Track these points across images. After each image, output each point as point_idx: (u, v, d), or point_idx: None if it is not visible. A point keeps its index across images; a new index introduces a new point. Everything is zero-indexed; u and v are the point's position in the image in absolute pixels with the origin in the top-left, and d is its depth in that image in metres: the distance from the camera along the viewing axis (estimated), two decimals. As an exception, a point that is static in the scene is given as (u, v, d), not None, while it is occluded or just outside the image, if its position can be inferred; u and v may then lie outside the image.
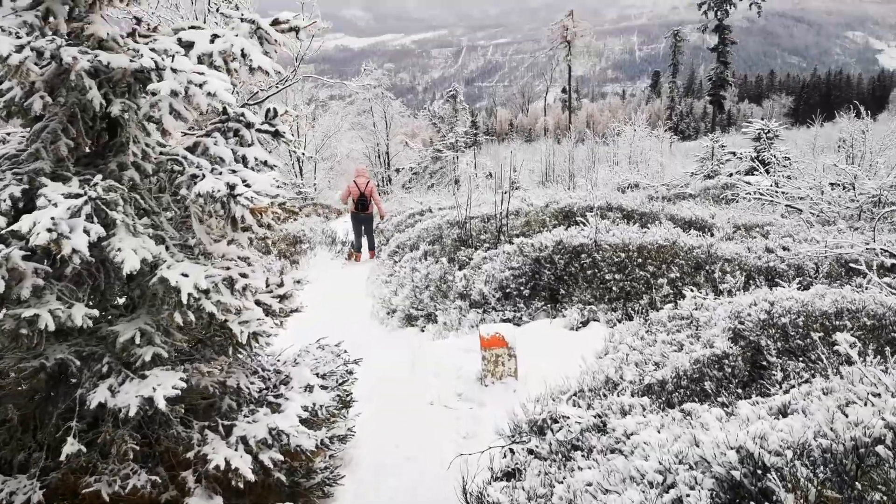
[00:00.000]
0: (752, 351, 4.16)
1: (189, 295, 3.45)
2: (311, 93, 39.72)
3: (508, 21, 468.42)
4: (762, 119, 20.64)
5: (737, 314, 4.50)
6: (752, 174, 18.08)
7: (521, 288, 6.84)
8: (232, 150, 4.13)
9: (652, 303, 6.06)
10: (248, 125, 4.27)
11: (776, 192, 11.68)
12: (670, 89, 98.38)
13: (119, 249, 3.37)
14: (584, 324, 6.27)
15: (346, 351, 5.34)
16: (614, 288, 6.36)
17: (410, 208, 19.55)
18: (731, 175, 19.99)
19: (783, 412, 2.98)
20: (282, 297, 4.64)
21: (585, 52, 69.37)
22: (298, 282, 4.79)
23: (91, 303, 3.62)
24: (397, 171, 45.82)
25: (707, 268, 6.33)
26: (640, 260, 6.49)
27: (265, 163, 4.27)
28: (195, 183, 3.69)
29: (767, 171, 17.94)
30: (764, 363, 4.03)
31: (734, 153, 21.11)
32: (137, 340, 3.54)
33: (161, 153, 3.92)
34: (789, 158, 18.49)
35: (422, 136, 62.29)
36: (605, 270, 6.53)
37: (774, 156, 18.20)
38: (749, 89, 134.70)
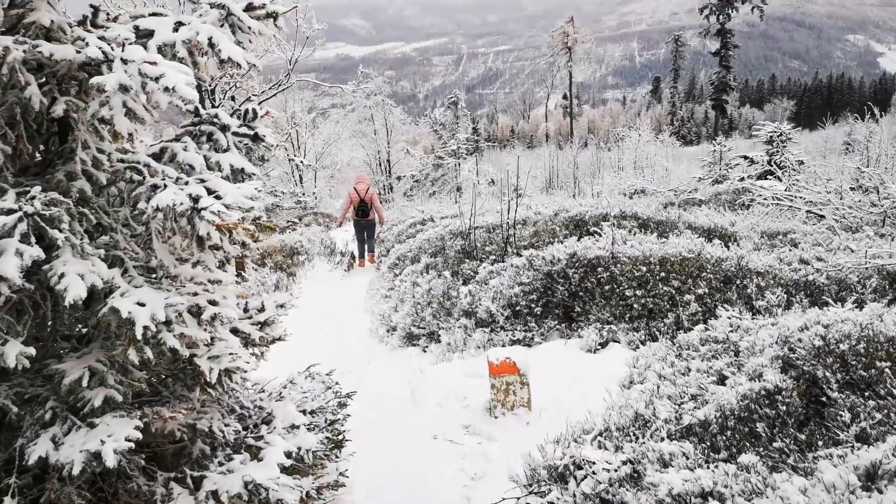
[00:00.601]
0: (808, 384, 3.57)
1: (145, 328, 2.88)
2: (312, 101, 39.32)
3: (508, 28, 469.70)
4: (764, 122, 20.03)
5: (785, 339, 3.90)
6: (766, 178, 17.48)
7: (533, 305, 6.25)
8: (204, 156, 3.58)
9: (678, 322, 5.47)
10: (224, 128, 3.71)
11: (795, 196, 11.09)
12: (671, 94, 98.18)
13: (62, 275, 2.80)
14: (603, 345, 5.69)
15: (337, 383, 4.73)
16: (635, 305, 5.77)
17: (412, 217, 18.99)
18: (741, 179, 19.41)
19: (872, 475, 2.40)
20: (263, 325, 4.08)
21: (585, 58, 69.46)
22: (282, 306, 4.22)
23: (35, 336, 3.09)
24: (399, 178, 45.50)
25: (738, 282, 5.74)
26: (662, 274, 5.90)
27: (242, 171, 3.72)
28: (155, 194, 3.12)
29: (780, 176, 17.39)
30: (823, 399, 3.44)
31: (745, 157, 20.50)
32: (86, 381, 2.98)
33: (120, 160, 3.36)
34: (802, 162, 17.91)
35: (423, 144, 62.06)
36: (625, 286, 5.94)
37: (787, 159, 17.60)
38: (750, 94, 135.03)
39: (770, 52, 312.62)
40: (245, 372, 3.53)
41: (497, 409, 5.08)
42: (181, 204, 3.05)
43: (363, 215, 13.69)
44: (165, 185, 3.16)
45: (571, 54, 68.74)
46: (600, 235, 7.56)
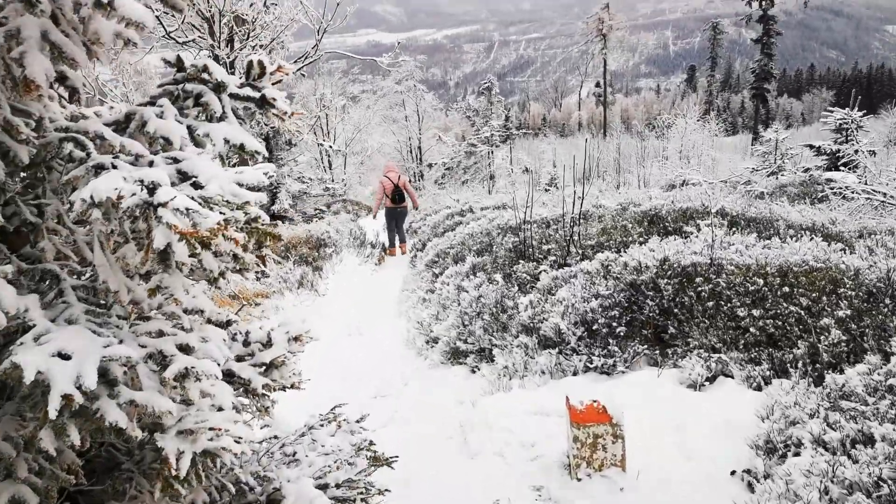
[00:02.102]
0: None
1: (66, 397, 1.68)
2: (343, 87, 38.26)
3: (541, 16, 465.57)
4: (833, 109, 18.39)
5: None
6: (837, 170, 15.96)
7: (614, 324, 4.99)
8: (189, 126, 2.38)
9: (815, 354, 4.18)
10: (218, 87, 2.49)
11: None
12: (708, 83, 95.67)
13: None
14: (711, 380, 4.41)
15: (371, 442, 3.48)
16: (752, 329, 4.49)
17: (447, 207, 17.77)
18: (806, 170, 17.89)
19: None
20: (268, 367, 2.89)
21: (619, 46, 68.17)
22: (297, 339, 3.02)
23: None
24: (430, 166, 44.45)
25: (891, 302, 4.42)
26: (785, 288, 4.61)
27: (242, 148, 2.53)
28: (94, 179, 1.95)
29: (856, 166, 15.89)
30: None
31: (811, 146, 18.91)
32: (-19, 474, 1.82)
33: (57, 129, 2.18)
34: (874, 152, 16.33)
35: (455, 131, 60.88)
36: (735, 302, 4.66)
37: (858, 150, 16.04)
38: (788, 83, 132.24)
39: (807, 41, 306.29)
40: (237, 452, 2.33)
41: (580, 468, 3.84)
42: (131, 196, 1.85)
43: (399, 201, 13.34)
44: (114, 167, 1.98)
45: (606, 41, 67.38)
46: (686, 236, 6.28)
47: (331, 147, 26.02)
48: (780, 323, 4.46)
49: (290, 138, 22.33)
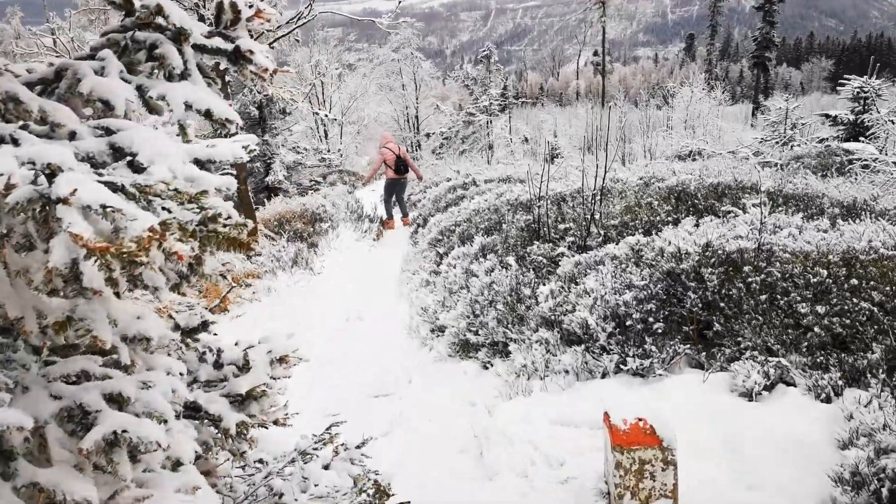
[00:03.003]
0: None
1: None
2: (339, 55, 37.29)
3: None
4: (851, 77, 17.61)
5: None
6: (857, 140, 15.27)
7: (650, 319, 4.36)
8: (139, 86, 1.69)
9: (893, 359, 3.57)
10: (178, 35, 1.77)
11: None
12: (707, 52, 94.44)
13: None
14: (769, 388, 3.79)
15: (376, 472, 2.85)
16: (816, 329, 3.87)
17: (447, 179, 17.06)
18: (821, 141, 17.19)
19: None
20: (244, 398, 2.24)
21: (616, 14, 67.49)
22: (282, 360, 2.38)
23: None
24: (427, 135, 43.74)
25: (981, 299, 3.80)
26: (852, 281, 3.98)
27: (208, 114, 1.83)
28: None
29: (869, 136, 15.20)
30: None
31: (827, 115, 18.18)
32: None
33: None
34: (895, 122, 15.62)
35: (452, 100, 59.90)
36: (795, 297, 4.03)
37: (879, 118, 15.30)
38: (787, 52, 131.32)
39: (806, 10, 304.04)
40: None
41: (624, 499, 3.23)
42: (24, 185, 1.16)
43: (403, 172, 12.97)
44: (14, 141, 1.32)
45: (605, 9, 66.28)
46: (723, 216, 5.62)
47: (326, 116, 25.18)
48: (848, 321, 3.83)
49: (284, 106, 21.50)
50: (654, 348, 4.24)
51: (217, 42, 2.02)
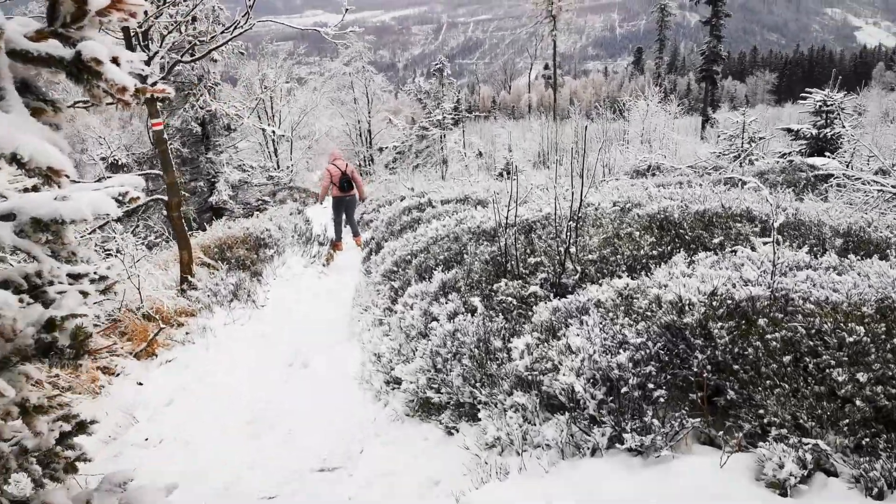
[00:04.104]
0: None
1: None
2: (289, 69, 36.36)
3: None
4: (812, 90, 17.34)
5: None
6: (822, 155, 14.92)
7: (650, 384, 3.62)
8: None
9: (960, 444, 2.89)
10: None
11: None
12: (656, 65, 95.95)
13: None
14: (805, 479, 3.08)
15: None
16: (857, 401, 3.17)
17: (401, 197, 16.25)
18: (783, 156, 16.86)
19: None
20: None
21: (566, 28, 68.24)
22: None
23: None
24: (380, 150, 43.11)
25: None
26: (893, 339, 3.30)
27: (16, 160, 0.93)
28: None
29: (832, 150, 14.88)
30: None
31: (789, 129, 17.86)
32: None
33: None
34: (857, 138, 15.33)
35: (405, 113, 59.37)
36: (827, 358, 3.33)
37: (841, 134, 15.01)
38: (732, 66, 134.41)
39: (749, 24, 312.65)
40: None
41: None
42: None
43: (347, 189, 12.34)
44: None
45: (556, 22, 66.75)
46: (715, 251, 4.93)
47: (274, 132, 24.17)
48: (894, 392, 3.14)
49: (228, 122, 20.48)
50: (655, 421, 3.50)
51: (48, 46, 1.23)
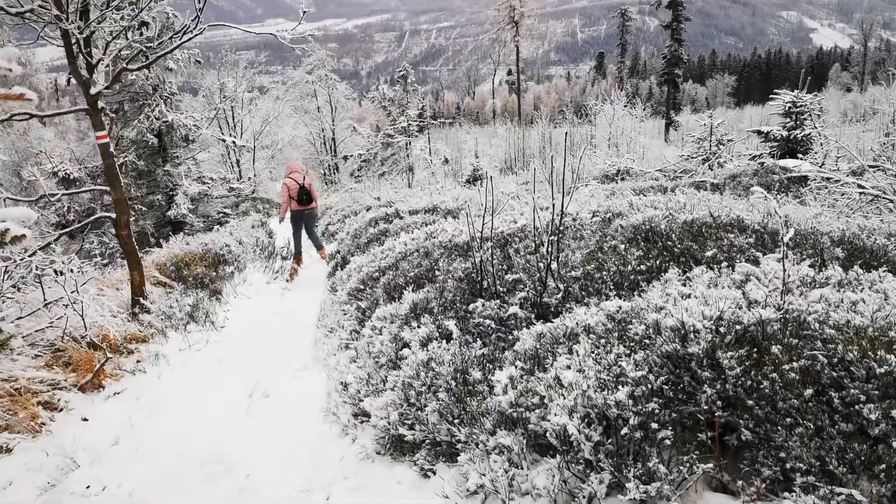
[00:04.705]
0: None
1: None
2: (251, 78, 35.66)
3: (451, 4, 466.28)
4: (781, 91, 17.23)
5: None
6: (793, 156, 14.73)
7: (653, 424, 3.21)
8: None
9: None
10: None
11: None
12: (618, 70, 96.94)
13: None
14: (838, 535, 2.67)
15: None
16: (892, 441, 2.78)
17: (367, 207, 15.77)
18: (753, 158, 16.68)
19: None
20: None
21: (528, 34, 68.70)
22: None
23: None
24: (345, 158, 42.59)
25: None
26: (927, 368, 2.92)
27: None
28: None
29: (804, 151, 14.72)
30: None
31: (759, 131, 17.69)
32: None
33: None
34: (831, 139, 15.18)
35: (369, 121, 58.91)
36: (856, 393, 2.94)
37: (810, 135, 14.84)
38: (692, 69, 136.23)
39: (707, 28, 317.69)
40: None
41: None
42: None
43: (306, 203, 11.71)
44: None
45: (518, 28, 67.10)
46: (710, 265, 4.54)
47: (234, 143, 23.49)
48: (933, 429, 2.76)
49: (186, 133, 19.77)
50: (661, 467, 3.07)
51: None
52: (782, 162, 13.91)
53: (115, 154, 18.80)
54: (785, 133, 15.76)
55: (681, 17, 60.84)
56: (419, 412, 4.22)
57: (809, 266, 4.33)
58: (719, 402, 3.19)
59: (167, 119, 18.18)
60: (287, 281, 11.43)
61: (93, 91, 7.58)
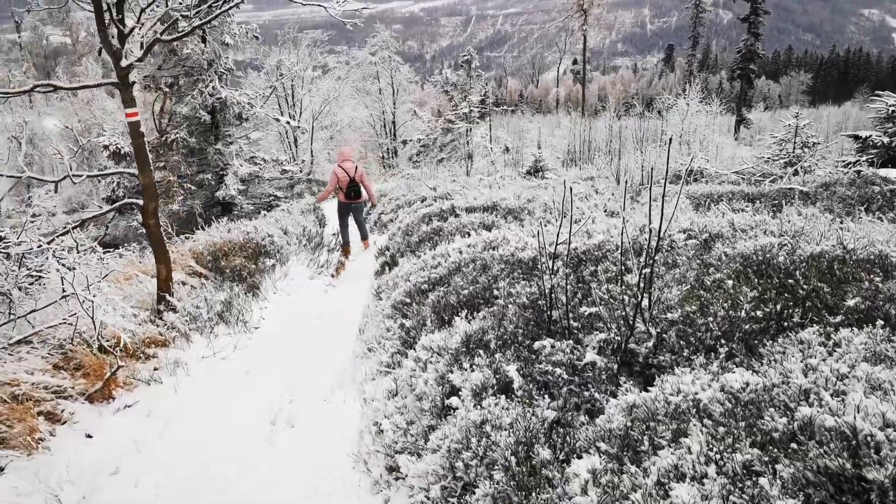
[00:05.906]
0: None
1: None
2: (314, 57, 35.07)
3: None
4: (881, 93, 15.65)
5: None
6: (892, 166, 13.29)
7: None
8: None
9: None
10: None
11: None
12: (688, 63, 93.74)
13: None
14: None
15: None
16: None
17: (421, 199, 14.88)
18: (848, 165, 15.22)
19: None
20: None
21: (596, 24, 67.03)
22: None
23: None
24: (404, 142, 41.86)
25: None
26: None
27: None
28: None
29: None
30: None
31: (856, 136, 16.18)
32: None
33: None
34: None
35: (431, 105, 58.11)
36: None
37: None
38: (766, 65, 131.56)
39: (783, 23, 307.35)
40: None
41: None
42: None
43: (354, 197, 11.39)
44: None
45: (587, 17, 65.35)
46: (858, 322, 3.47)
47: (289, 122, 22.79)
48: None
49: (240, 111, 19.09)
50: None
51: None
52: (883, 171, 12.51)
53: (167, 130, 18.27)
54: (886, 140, 14.26)
55: (759, 10, 58.20)
56: (467, 494, 3.28)
57: None
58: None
59: (221, 95, 17.52)
60: (332, 276, 10.64)
61: (124, 63, 6.80)
